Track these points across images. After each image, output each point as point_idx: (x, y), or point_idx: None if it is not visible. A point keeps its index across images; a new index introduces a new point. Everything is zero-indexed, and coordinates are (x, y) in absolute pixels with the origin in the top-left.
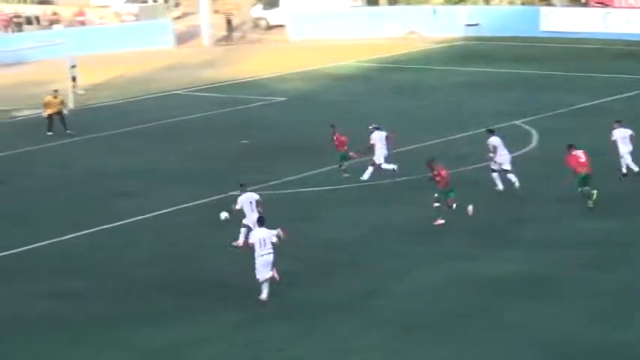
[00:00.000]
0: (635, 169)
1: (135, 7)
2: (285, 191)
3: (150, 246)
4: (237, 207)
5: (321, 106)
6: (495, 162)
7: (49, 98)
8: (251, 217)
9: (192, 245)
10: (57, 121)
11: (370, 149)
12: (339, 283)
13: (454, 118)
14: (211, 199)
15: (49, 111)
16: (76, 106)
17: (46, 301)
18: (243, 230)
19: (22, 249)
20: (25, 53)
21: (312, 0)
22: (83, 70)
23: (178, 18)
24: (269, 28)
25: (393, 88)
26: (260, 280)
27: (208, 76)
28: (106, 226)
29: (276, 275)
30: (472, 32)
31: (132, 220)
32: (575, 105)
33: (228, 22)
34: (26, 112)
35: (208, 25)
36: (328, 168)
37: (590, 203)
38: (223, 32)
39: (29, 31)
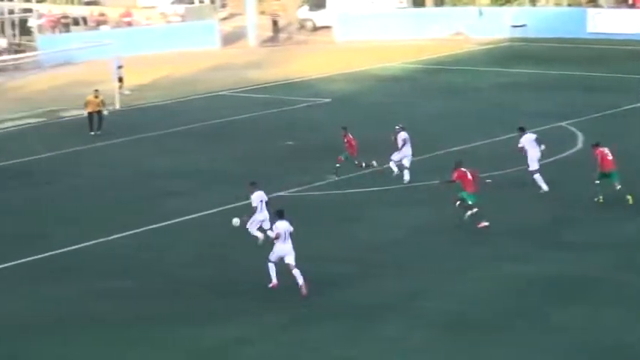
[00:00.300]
0: None
1: (181, 8)
2: (330, 192)
3: (195, 246)
4: (254, 204)
5: (366, 108)
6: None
7: (90, 97)
8: (260, 215)
9: (237, 246)
10: (96, 120)
11: (397, 147)
12: (384, 284)
13: (500, 119)
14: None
15: (89, 109)
16: (122, 107)
17: (93, 300)
18: (256, 230)
19: (69, 248)
20: (73, 54)
21: (359, 1)
22: (129, 70)
23: (225, 19)
24: (315, 29)
25: (439, 90)
26: (270, 260)
27: (254, 77)
28: (153, 226)
29: (304, 288)
30: (518, 33)
31: (178, 220)
32: (621, 107)
33: (275, 23)
34: (73, 113)
35: (254, 26)
36: (372, 169)
37: (601, 199)
38: (269, 33)
39: (76, 31)
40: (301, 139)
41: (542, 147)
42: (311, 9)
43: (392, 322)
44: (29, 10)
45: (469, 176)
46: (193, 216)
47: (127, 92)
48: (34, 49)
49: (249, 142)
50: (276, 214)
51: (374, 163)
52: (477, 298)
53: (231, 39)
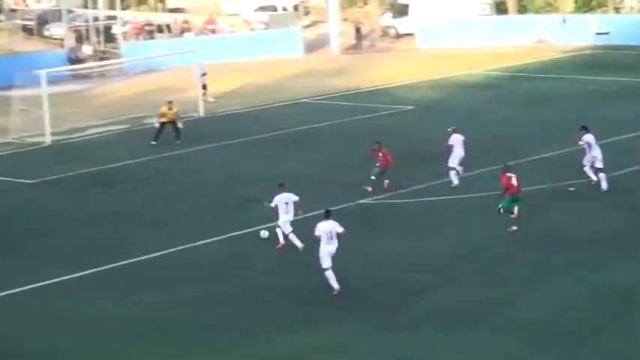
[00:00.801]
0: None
1: (265, 16)
2: (413, 200)
3: (280, 253)
4: (272, 205)
5: (449, 115)
6: (588, 159)
7: (164, 109)
8: (283, 217)
9: (317, 253)
10: (171, 130)
11: (448, 150)
12: (466, 293)
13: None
14: (339, 207)
15: (163, 120)
16: (206, 114)
17: (178, 306)
18: (278, 230)
19: (155, 255)
20: (157, 61)
21: (442, 9)
22: (213, 78)
23: (307, 26)
24: (398, 36)
25: (521, 97)
26: (323, 267)
27: (337, 84)
28: (238, 233)
29: (336, 288)
30: (602, 41)
31: (262, 227)
32: None
33: (357, 30)
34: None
35: (337, 34)
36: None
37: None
38: (352, 41)
39: (160, 39)
40: (384, 147)
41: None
42: (394, 16)
43: (474, 332)
44: (114, 18)
45: (514, 181)
46: (273, 224)
47: (211, 99)
48: (118, 56)
49: (331, 150)
50: (324, 214)
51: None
52: (562, 306)
53: (314, 46)
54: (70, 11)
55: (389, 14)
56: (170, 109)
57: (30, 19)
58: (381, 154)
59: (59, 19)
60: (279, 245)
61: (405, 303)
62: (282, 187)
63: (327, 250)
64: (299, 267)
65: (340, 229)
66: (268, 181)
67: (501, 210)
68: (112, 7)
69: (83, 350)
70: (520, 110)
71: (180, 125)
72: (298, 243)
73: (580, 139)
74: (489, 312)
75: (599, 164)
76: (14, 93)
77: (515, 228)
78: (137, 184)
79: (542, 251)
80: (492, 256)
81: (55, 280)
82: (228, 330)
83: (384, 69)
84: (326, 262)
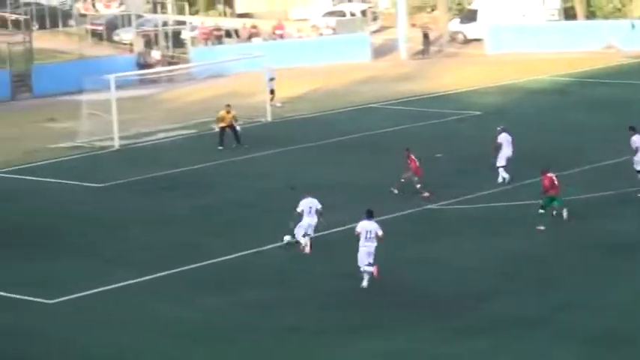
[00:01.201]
0: None
1: (333, 21)
2: (478, 206)
3: (346, 258)
4: (299, 210)
5: (516, 121)
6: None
7: (222, 113)
8: (305, 220)
9: (387, 257)
10: (231, 135)
11: (497, 149)
12: (530, 298)
13: None
14: (404, 212)
15: (222, 124)
16: (274, 119)
17: (245, 310)
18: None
19: (222, 258)
20: (225, 66)
21: (510, 14)
22: (281, 83)
23: (376, 32)
24: (466, 41)
25: (589, 103)
26: (360, 267)
27: (405, 89)
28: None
29: (376, 273)
30: None
31: (327, 232)
32: None
33: (425, 35)
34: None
35: (405, 39)
36: (520, 183)
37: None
38: (420, 46)
39: (229, 44)
40: (451, 152)
41: None
42: (462, 22)
43: (537, 337)
44: (183, 23)
45: (555, 182)
46: (341, 228)
47: (278, 104)
48: (186, 61)
49: (399, 155)
50: (366, 214)
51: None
52: (627, 312)
53: (382, 52)
54: (139, 16)
55: (457, 19)
56: (228, 112)
57: (99, 24)
58: (409, 161)
59: (128, 24)
60: (304, 249)
61: (470, 308)
62: (308, 193)
63: (364, 250)
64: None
65: (380, 232)
66: (334, 186)
67: (542, 209)
68: (180, 12)
69: (151, 353)
70: (588, 116)
71: (238, 128)
72: (308, 249)
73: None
74: (551, 318)
75: (638, 167)
76: (84, 97)
77: (542, 228)
78: (204, 188)
79: (607, 256)
80: (557, 262)
81: (124, 283)
82: (296, 334)
83: (451, 74)
84: (363, 260)
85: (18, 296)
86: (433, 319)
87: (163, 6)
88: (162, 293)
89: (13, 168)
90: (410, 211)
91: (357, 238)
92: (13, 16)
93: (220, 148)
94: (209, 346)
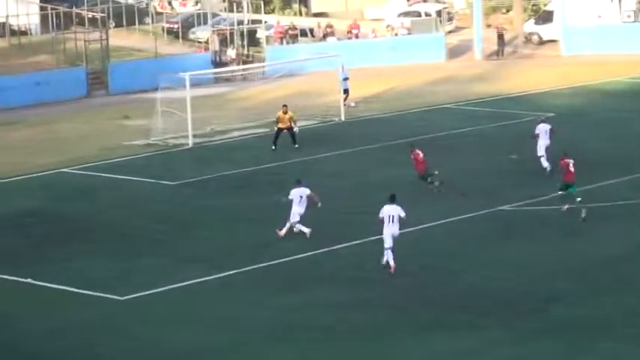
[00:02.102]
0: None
1: (408, 21)
2: (552, 207)
3: (424, 258)
4: (290, 197)
5: (590, 122)
6: None
7: (279, 114)
8: (295, 209)
9: (457, 259)
10: (287, 135)
11: (535, 138)
12: (605, 301)
13: None
14: (478, 213)
15: (280, 125)
16: (347, 118)
17: (314, 309)
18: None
19: (293, 257)
20: (299, 65)
21: (586, 15)
22: (355, 82)
23: (451, 32)
24: (541, 43)
25: None
26: (385, 247)
27: (479, 90)
28: (372, 238)
29: (392, 265)
30: None
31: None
32: None
33: (500, 36)
34: (298, 124)
35: (480, 40)
36: (595, 185)
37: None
38: (495, 47)
39: (304, 43)
40: (525, 153)
41: None
42: (537, 22)
43: (611, 341)
44: (258, 22)
45: (571, 167)
46: (412, 229)
47: (352, 104)
48: (261, 59)
49: (473, 155)
50: (389, 199)
51: (436, 180)
52: None
53: (456, 52)
54: (214, 15)
55: (532, 20)
56: (285, 112)
57: (175, 22)
58: (412, 157)
59: (204, 23)
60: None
61: (542, 310)
62: (298, 183)
63: (387, 231)
64: (434, 271)
65: (402, 214)
66: (407, 186)
67: (560, 191)
68: (256, 11)
69: (222, 352)
70: None
71: (295, 129)
72: (305, 229)
73: None
74: (626, 321)
75: None
76: (159, 95)
77: (566, 207)
78: (276, 187)
79: None
80: (631, 265)
81: (195, 281)
82: (364, 333)
83: (526, 75)
84: (387, 242)
85: (90, 292)
86: (501, 321)
87: (239, 5)
88: (234, 291)
89: (88, 165)
90: (483, 212)
91: (382, 222)
92: (90, 14)
93: (273, 148)
94: (281, 343)
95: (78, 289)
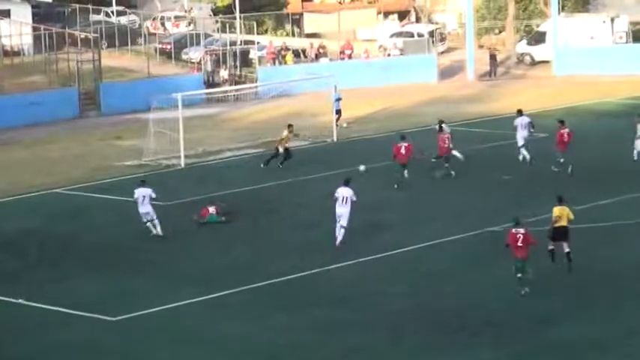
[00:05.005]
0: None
1: (400, 42)
2: (543, 228)
3: (410, 278)
4: (135, 197)
5: (584, 143)
6: None
7: (286, 133)
8: (141, 209)
9: (449, 279)
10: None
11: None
12: (598, 320)
13: None
14: (469, 233)
15: (287, 146)
16: (340, 139)
17: (310, 330)
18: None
19: (287, 277)
20: (291, 85)
21: (578, 36)
22: (348, 103)
23: (443, 53)
24: (533, 63)
25: None
26: (340, 224)
27: (471, 110)
28: (368, 258)
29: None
30: None
31: (392, 252)
32: None
33: (492, 57)
34: (292, 144)
35: (473, 60)
36: (588, 205)
37: None
38: (487, 67)
39: (296, 63)
40: (517, 174)
41: None
42: (529, 43)
43: None
44: (251, 42)
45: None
46: (406, 249)
47: (344, 125)
48: (253, 80)
49: (465, 176)
50: (343, 182)
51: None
52: None
53: (449, 73)
54: (207, 35)
55: (524, 41)
56: (291, 132)
57: (167, 43)
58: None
59: (197, 43)
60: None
61: (536, 329)
62: (142, 183)
63: (340, 211)
64: (429, 292)
65: (354, 198)
66: (398, 207)
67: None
68: (249, 31)
69: None
70: None
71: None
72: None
73: None
74: (620, 341)
75: None
76: (151, 116)
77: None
78: (269, 207)
79: None
80: (625, 283)
81: (188, 301)
82: (358, 353)
83: (518, 96)
84: (341, 219)
85: (82, 313)
86: (497, 341)
87: (232, 25)
88: (228, 312)
89: (79, 185)
90: (473, 232)
91: (335, 201)
92: (83, 35)
93: (262, 166)
94: None
95: (69, 309)
